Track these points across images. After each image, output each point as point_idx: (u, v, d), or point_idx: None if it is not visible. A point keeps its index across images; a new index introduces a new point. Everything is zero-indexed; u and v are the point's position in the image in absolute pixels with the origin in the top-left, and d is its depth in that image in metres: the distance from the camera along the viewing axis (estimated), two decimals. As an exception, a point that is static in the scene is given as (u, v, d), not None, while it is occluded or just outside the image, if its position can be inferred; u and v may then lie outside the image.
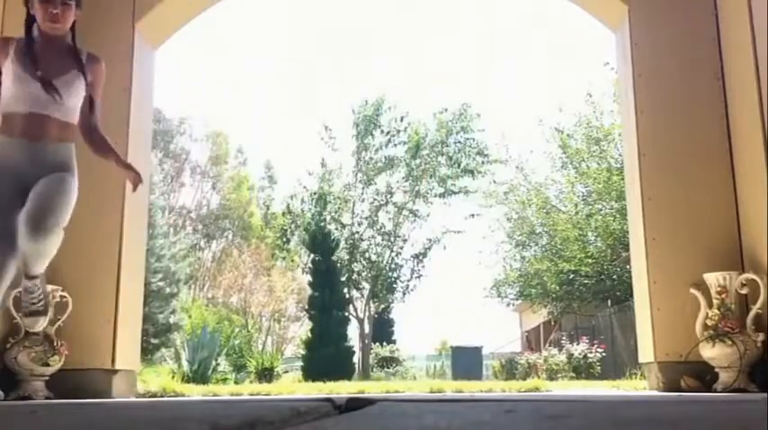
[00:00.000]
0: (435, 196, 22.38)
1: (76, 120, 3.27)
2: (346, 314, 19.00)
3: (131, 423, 1.50)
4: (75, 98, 3.23)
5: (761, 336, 3.77)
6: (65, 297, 4.21)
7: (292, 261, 23.93)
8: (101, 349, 4.26)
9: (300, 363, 17.22)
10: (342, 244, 21.12)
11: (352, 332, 19.57)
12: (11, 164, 3.12)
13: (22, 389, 4.00)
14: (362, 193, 22.54)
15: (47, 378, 4.06)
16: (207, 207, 33.30)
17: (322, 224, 21.13)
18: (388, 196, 22.38)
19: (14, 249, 3.08)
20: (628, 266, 14.46)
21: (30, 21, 3.29)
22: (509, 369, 17.15)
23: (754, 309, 3.82)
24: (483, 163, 22.16)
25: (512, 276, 21.88)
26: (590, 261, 18.49)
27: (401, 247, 22.41)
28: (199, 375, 10.45)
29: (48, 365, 4.03)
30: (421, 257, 22.41)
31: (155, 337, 17.38)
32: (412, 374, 18.87)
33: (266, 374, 12.91)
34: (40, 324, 3.26)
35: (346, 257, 21.39)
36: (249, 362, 13.78)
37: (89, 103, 3.28)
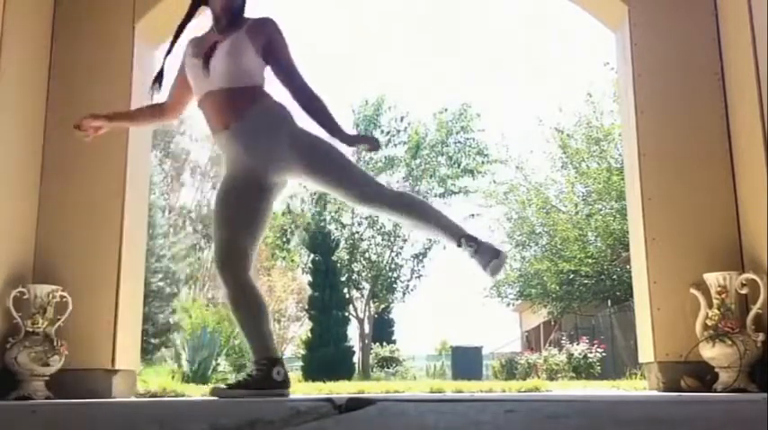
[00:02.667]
0: (435, 196, 22.38)
1: (254, 82, 3.22)
2: (346, 314, 19.01)
3: (131, 423, 1.50)
4: (240, 62, 3.17)
5: (761, 336, 3.76)
6: (65, 297, 4.21)
7: (292, 261, 23.93)
8: (101, 349, 4.26)
9: (300, 363, 17.22)
10: (342, 244, 21.13)
11: (352, 332, 19.59)
12: (226, 159, 3.25)
13: (23, 389, 4.00)
14: (362, 193, 22.51)
15: (47, 378, 4.05)
16: (207, 207, 33.27)
17: (322, 224, 21.15)
18: (388, 196, 22.34)
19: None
20: (628, 266, 14.45)
21: (195, 5, 3.42)
22: (509, 369, 17.17)
23: (754, 309, 3.82)
24: (483, 163, 22.17)
25: (512, 276, 21.88)
26: (590, 261, 18.50)
27: (401, 247, 22.43)
28: (199, 375, 10.45)
29: (48, 365, 4.03)
30: (421, 257, 22.43)
31: (155, 337, 17.40)
32: (412, 374, 18.88)
33: (266, 374, 12.88)
34: None
35: (346, 257, 21.40)
36: (249, 362, 13.78)
37: (279, 69, 3.25)
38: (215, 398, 3.24)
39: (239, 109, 3.17)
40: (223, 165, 3.37)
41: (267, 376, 3.14)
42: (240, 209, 3.21)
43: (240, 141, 3.18)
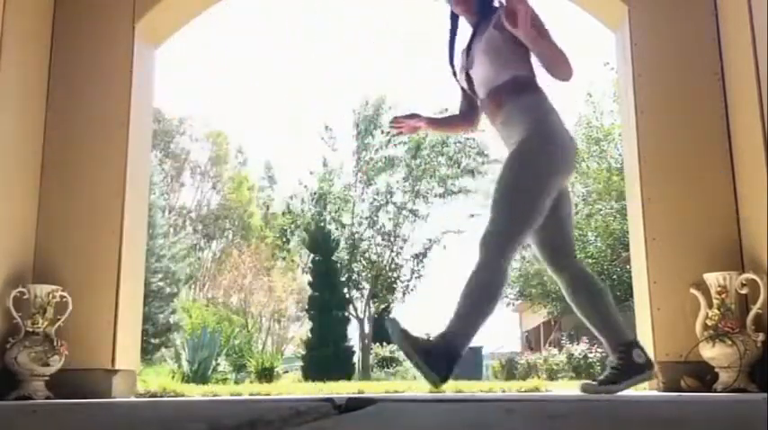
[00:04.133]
0: (435, 196, 22.38)
1: (510, 74, 3.05)
2: (346, 314, 19.03)
3: (131, 423, 1.50)
4: (493, 60, 3.07)
5: (761, 336, 3.76)
6: (65, 297, 4.21)
7: (292, 261, 23.94)
8: (101, 349, 4.26)
9: (300, 363, 17.23)
10: (342, 244, 21.12)
11: (352, 332, 19.59)
12: None
13: (23, 389, 4.00)
14: (362, 193, 22.55)
15: (47, 378, 4.05)
16: (207, 207, 33.29)
17: (322, 224, 21.15)
18: (388, 196, 22.38)
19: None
20: (628, 266, 14.45)
21: (454, 18, 3.33)
22: (509, 369, 17.14)
23: (754, 309, 3.82)
24: (483, 163, 22.16)
25: (512, 276, 21.87)
26: (590, 261, 18.49)
27: (401, 247, 22.42)
28: (199, 375, 10.45)
29: (48, 365, 4.03)
30: (421, 257, 22.41)
31: (155, 337, 17.39)
32: (412, 374, 18.87)
33: (266, 374, 12.91)
34: None
35: (346, 257, 21.38)
36: (249, 362, 13.78)
37: (525, 40, 2.96)
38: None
39: (498, 105, 3.09)
40: None
41: (630, 362, 2.99)
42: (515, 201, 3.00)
43: (501, 137, 3.15)
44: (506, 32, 3.01)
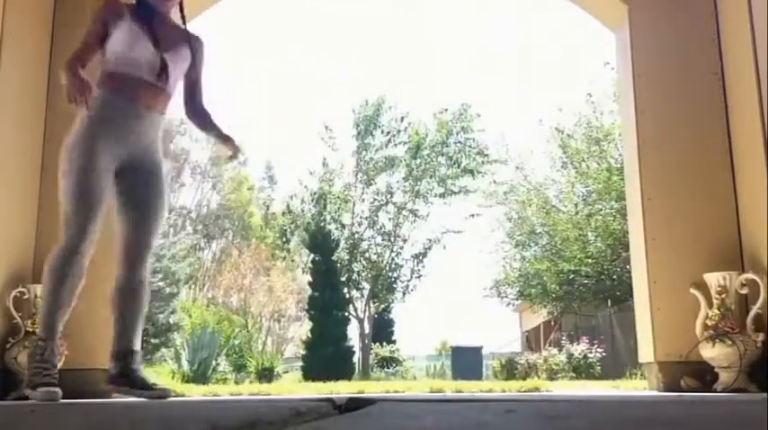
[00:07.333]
0: (435, 196, 22.38)
1: (173, 95, 3.38)
2: (346, 314, 19.04)
3: (132, 423, 1.50)
4: (180, 72, 3.36)
5: (761, 336, 3.77)
6: (65, 297, 4.20)
7: (292, 261, 23.94)
8: (101, 349, 4.25)
9: (300, 363, 17.23)
10: (342, 244, 21.14)
11: (353, 332, 19.60)
12: (114, 123, 3.22)
13: (23, 389, 3.99)
14: (363, 193, 22.55)
15: (47, 378, 4.05)
16: (207, 207, 33.29)
17: (322, 224, 21.16)
18: (389, 196, 22.38)
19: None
20: (628, 266, 14.45)
21: None
22: (509, 369, 17.13)
23: (754, 309, 3.82)
24: (483, 163, 22.16)
25: (512, 276, 21.86)
26: (590, 261, 18.48)
27: (401, 247, 22.42)
28: (199, 375, 10.46)
29: (48, 365, 4.02)
30: (421, 257, 22.42)
31: (155, 337, 17.38)
32: (412, 374, 18.89)
33: (266, 374, 12.92)
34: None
35: (346, 257, 21.39)
36: (249, 362, 13.79)
37: (195, 84, 3.48)
38: (215, 397, 3.24)
39: None
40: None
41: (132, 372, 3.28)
42: None
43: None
44: (194, 71, 3.49)
